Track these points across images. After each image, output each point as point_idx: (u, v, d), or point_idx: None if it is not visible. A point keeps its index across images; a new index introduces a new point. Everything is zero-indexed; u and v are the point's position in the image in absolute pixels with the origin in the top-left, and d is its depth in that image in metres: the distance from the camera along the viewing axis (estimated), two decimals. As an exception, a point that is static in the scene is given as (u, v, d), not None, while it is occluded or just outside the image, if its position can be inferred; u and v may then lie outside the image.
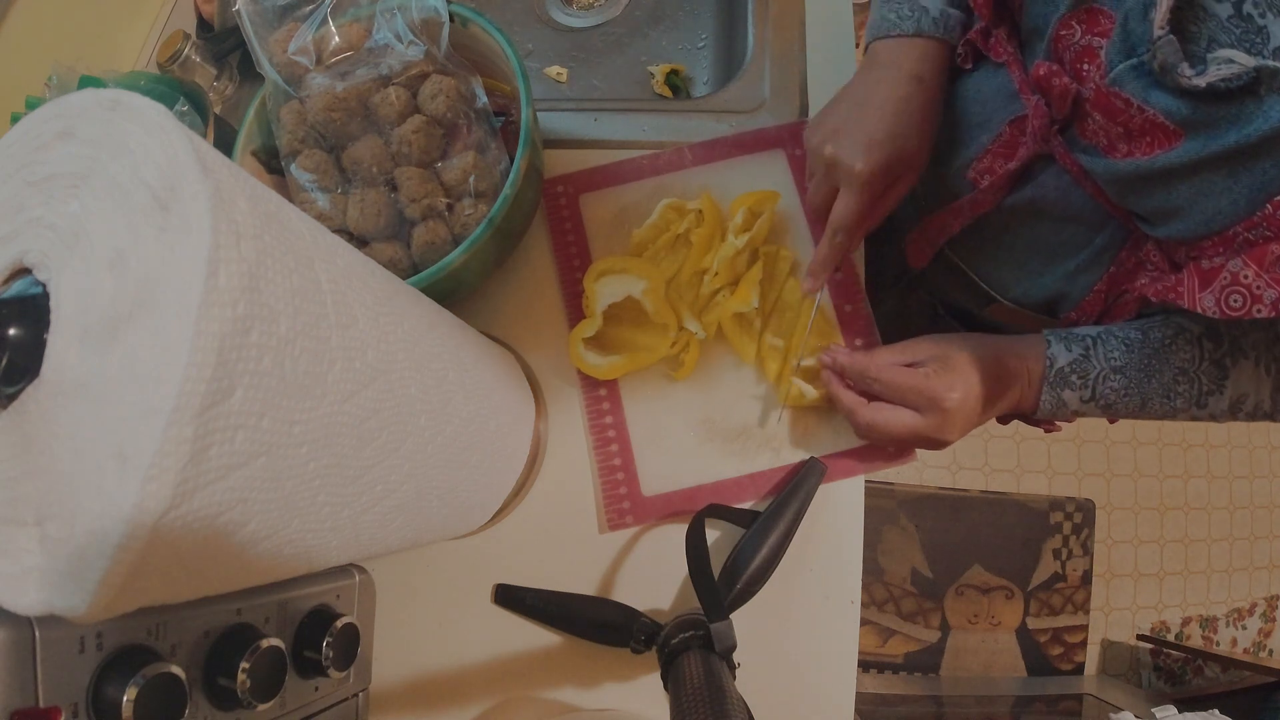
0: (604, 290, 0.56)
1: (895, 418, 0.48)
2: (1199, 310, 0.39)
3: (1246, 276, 0.37)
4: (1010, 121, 0.48)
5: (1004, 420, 0.56)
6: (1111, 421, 0.71)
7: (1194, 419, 0.47)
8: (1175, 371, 0.45)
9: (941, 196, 0.56)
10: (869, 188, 0.48)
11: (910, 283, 0.67)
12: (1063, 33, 0.41)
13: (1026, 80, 0.46)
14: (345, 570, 0.45)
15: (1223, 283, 0.38)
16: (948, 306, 0.67)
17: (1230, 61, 0.33)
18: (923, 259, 0.59)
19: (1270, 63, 0.33)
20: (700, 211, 0.59)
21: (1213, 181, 0.36)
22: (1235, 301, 0.38)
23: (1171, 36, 0.35)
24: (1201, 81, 0.34)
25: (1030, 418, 0.49)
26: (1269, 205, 0.35)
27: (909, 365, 0.49)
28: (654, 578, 0.55)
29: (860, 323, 0.57)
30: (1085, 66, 0.40)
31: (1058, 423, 0.76)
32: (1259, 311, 0.37)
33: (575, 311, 0.59)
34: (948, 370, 0.48)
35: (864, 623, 1.43)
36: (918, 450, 0.55)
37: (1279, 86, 0.33)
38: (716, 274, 0.57)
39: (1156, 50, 0.35)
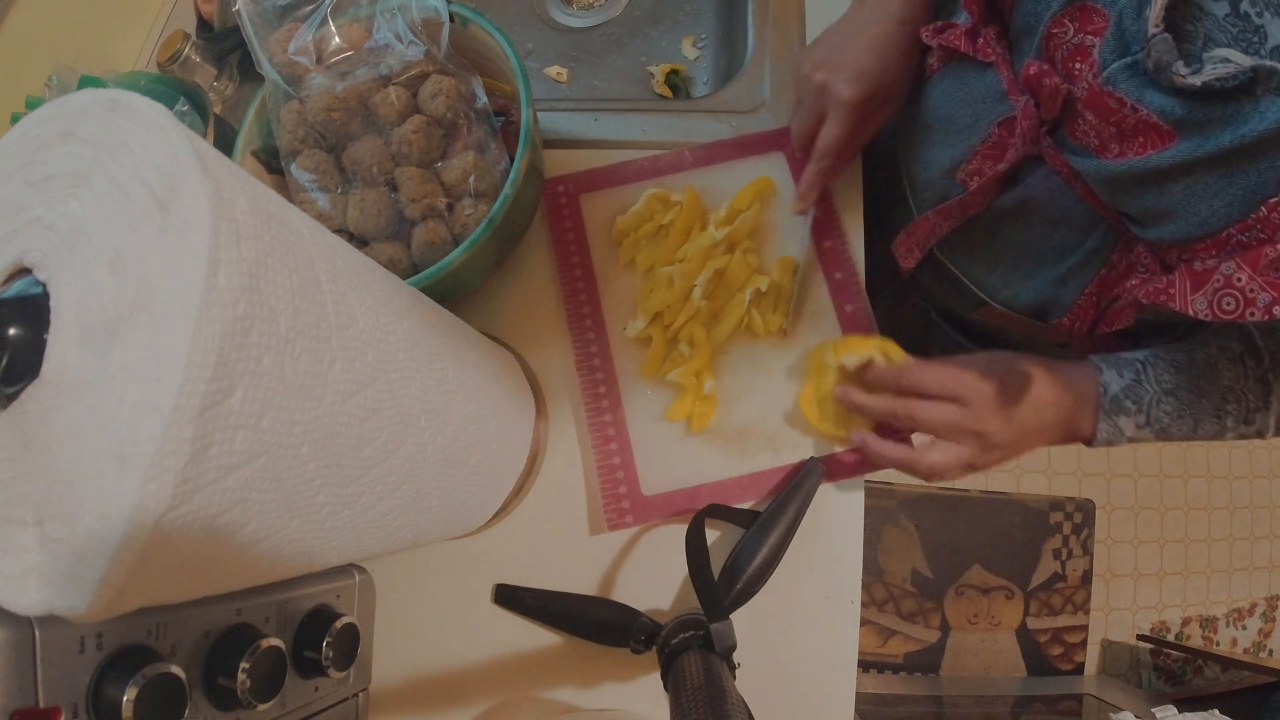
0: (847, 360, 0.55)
1: (945, 447, 0.50)
2: (1190, 313, 0.39)
3: (1240, 280, 0.37)
4: (999, 123, 0.48)
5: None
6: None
7: (1242, 437, 0.47)
8: (1224, 390, 0.46)
9: (930, 199, 0.56)
10: (855, 114, 0.52)
11: (902, 288, 0.67)
12: (1055, 31, 0.41)
13: (1015, 81, 0.46)
14: (345, 570, 0.45)
15: (1215, 285, 0.38)
16: (940, 311, 0.67)
17: (1226, 61, 0.33)
18: (911, 260, 0.59)
19: (1267, 62, 0.32)
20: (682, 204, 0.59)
21: (1206, 183, 0.36)
22: (1228, 304, 0.37)
23: (1166, 35, 0.34)
24: (1197, 81, 0.34)
25: (1089, 444, 0.50)
26: (1263, 208, 0.35)
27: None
28: (654, 578, 0.55)
29: (862, 323, 0.57)
30: (1077, 65, 0.40)
31: None
32: (1252, 315, 0.37)
33: (575, 312, 0.59)
34: (983, 367, 0.50)
35: (864, 623, 1.43)
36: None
37: (1276, 87, 0.32)
38: (686, 260, 0.57)
39: (1151, 49, 0.35)
